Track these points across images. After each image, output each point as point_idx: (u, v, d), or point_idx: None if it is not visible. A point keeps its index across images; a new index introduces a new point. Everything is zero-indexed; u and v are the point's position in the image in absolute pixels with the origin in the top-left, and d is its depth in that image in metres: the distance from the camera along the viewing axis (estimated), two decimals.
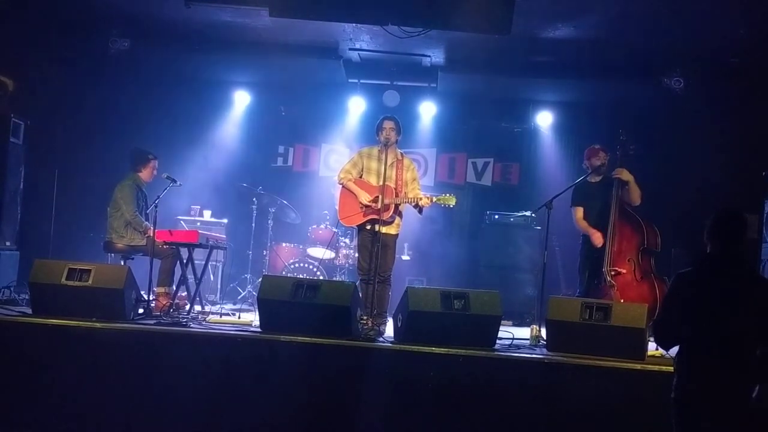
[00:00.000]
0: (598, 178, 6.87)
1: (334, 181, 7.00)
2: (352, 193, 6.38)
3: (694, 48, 7.61)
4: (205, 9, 7.23)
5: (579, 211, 6.82)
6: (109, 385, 5.22)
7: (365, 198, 6.30)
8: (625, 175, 6.64)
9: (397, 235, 6.46)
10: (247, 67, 9.20)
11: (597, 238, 6.59)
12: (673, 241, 7.52)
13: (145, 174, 7.09)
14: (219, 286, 8.61)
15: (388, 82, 9.24)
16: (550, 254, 6.98)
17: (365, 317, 5.94)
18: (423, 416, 5.16)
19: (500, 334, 5.77)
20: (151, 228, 6.63)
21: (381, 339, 5.81)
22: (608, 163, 6.81)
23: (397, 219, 6.38)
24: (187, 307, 6.62)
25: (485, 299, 5.66)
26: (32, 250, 7.40)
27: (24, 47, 7.68)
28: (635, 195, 6.66)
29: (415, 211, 6.41)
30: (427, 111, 9.53)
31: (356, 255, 7.08)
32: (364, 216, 6.31)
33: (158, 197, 6.79)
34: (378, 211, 6.15)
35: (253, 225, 8.62)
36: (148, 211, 6.72)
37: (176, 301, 6.66)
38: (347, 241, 8.43)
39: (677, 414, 3.67)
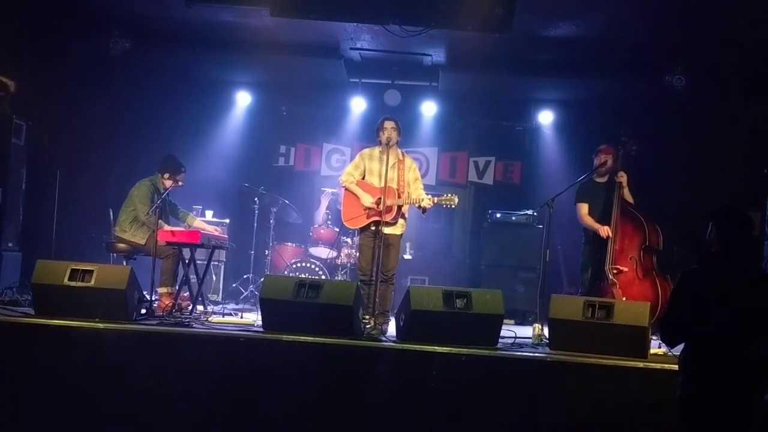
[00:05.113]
0: (603, 179, 6.88)
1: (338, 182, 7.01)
2: (355, 195, 6.37)
3: (696, 46, 7.60)
4: (205, 9, 7.22)
5: (584, 207, 6.83)
6: (112, 386, 5.21)
7: (368, 200, 6.29)
8: (624, 180, 6.69)
9: (401, 235, 6.44)
10: (248, 67, 9.20)
11: (604, 231, 6.60)
12: (676, 239, 7.52)
13: (168, 181, 7.09)
14: (221, 286, 8.62)
15: (389, 82, 9.24)
16: (552, 253, 6.97)
17: (367, 316, 5.94)
18: (425, 415, 5.16)
19: (502, 333, 5.76)
20: (165, 226, 6.71)
21: (383, 338, 5.81)
22: (615, 164, 6.82)
23: (401, 220, 6.37)
24: (190, 307, 6.62)
25: (487, 298, 5.66)
26: (34, 251, 7.41)
27: (25, 48, 7.68)
28: (629, 199, 6.75)
29: (418, 210, 6.39)
30: (429, 110, 9.52)
31: (358, 254, 7.07)
32: (368, 218, 6.29)
33: (160, 198, 6.81)
34: (381, 213, 6.14)
35: (255, 225, 8.63)
36: (150, 211, 6.72)
37: (179, 301, 6.67)
38: (349, 240, 8.42)
39: (683, 412, 3.66)
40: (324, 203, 8.70)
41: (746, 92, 7.79)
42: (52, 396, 5.22)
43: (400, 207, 6.28)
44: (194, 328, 5.74)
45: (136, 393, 5.21)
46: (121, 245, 6.98)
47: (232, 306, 7.80)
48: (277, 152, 9.96)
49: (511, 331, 6.14)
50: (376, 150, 6.47)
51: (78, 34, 7.98)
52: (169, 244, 6.68)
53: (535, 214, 8.54)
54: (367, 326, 5.87)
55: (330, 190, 8.69)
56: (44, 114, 8.04)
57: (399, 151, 6.44)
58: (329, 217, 8.57)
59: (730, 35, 7.16)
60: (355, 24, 7.46)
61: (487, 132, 9.87)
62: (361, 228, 6.42)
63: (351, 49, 8.46)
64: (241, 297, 8.33)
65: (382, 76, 9.22)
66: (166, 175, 7.11)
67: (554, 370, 5.23)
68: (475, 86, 9.32)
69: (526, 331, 6.36)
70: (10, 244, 7.64)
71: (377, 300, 6.06)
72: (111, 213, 7.40)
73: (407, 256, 8.91)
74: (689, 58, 7.91)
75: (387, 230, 6.20)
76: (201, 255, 7.49)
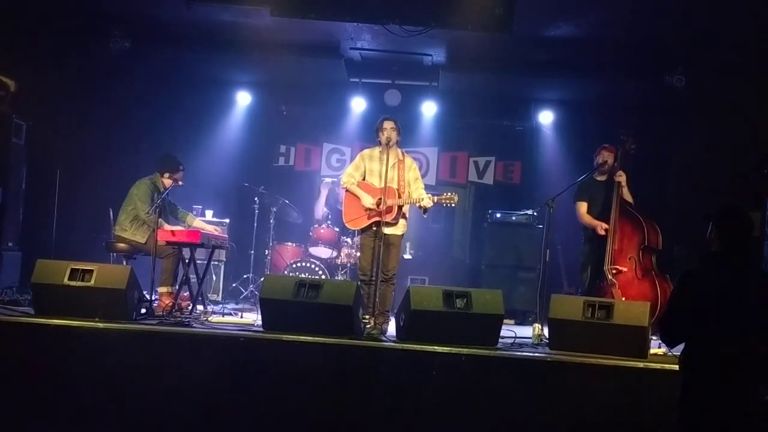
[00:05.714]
0: (604, 177, 6.89)
1: (339, 183, 7.02)
2: (356, 196, 6.37)
3: (696, 46, 7.60)
4: (206, 9, 7.23)
5: (583, 206, 6.85)
6: (112, 386, 5.21)
7: (368, 201, 6.28)
8: (623, 180, 6.70)
9: (402, 234, 6.43)
10: (248, 67, 9.20)
11: (601, 228, 6.61)
12: (675, 239, 7.52)
13: (167, 180, 7.10)
14: (221, 286, 8.62)
15: (390, 82, 9.25)
16: (552, 253, 6.98)
17: (367, 316, 5.94)
18: (425, 415, 5.16)
19: (502, 333, 5.77)
20: (165, 226, 6.71)
21: (383, 338, 5.81)
22: (616, 163, 6.83)
23: (402, 220, 6.36)
24: (190, 307, 6.62)
25: (487, 298, 5.66)
26: (34, 251, 7.40)
27: (25, 48, 7.67)
28: (628, 198, 6.75)
29: (419, 210, 6.39)
30: (429, 110, 9.53)
31: (358, 254, 7.07)
32: (369, 218, 6.28)
33: (161, 198, 6.81)
34: (381, 213, 6.14)
35: (255, 225, 8.63)
36: (150, 210, 6.71)
37: (179, 301, 6.66)
38: (349, 240, 8.42)
39: (683, 412, 3.65)
40: (324, 193, 8.72)
41: (746, 91, 7.78)
42: (52, 396, 5.21)
43: (400, 207, 6.27)
44: (194, 328, 5.74)
45: (136, 393, 5.20)
46: (121, 245, 6.97)
47: (232, 306, 7.80)
48: (277, 152, 9.97)
49: (511, 331, 6.14)
50: (376, 150, 6.46)
51: (78, 34, 7.97)
52: (169, 243, 6.67)
53: (535, 214, 8.54)
54: (367, 326, 5.86)
55: (329, 179, 8.72)
56: (44, 114, 8.03)
57: (399, 150, 6.44)
58: (329, 216, 8.57)
59: (730, 35, 7.15)
60: (355, 24, 7.47)
61: (487, 132, 9.88)
62: (362, 228, 6.42)
63: (351, 48, 8.46)
64: (241, 297, 8.33)
65: (382, 76, 9.23)
66: (166, 175, 7.11)
67: (554, 370, 5.23)
68: (475, 86, 9.31)
69: (526, 331, 6.36)
70: (10, 244, 7.64)
71: (377, 300, 6.06)
72: (111, 213, 7.40)
73: (407, 256, 8.91)
74: (689, 58, 7.91)
75: (388, 230, 6.20)
76: (201, 255, 7.49)
